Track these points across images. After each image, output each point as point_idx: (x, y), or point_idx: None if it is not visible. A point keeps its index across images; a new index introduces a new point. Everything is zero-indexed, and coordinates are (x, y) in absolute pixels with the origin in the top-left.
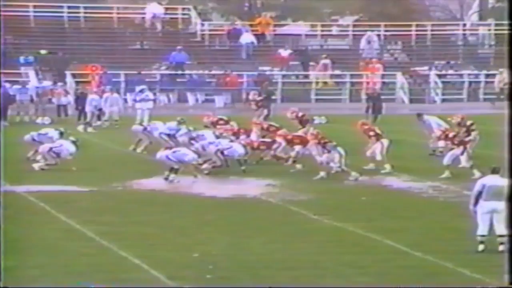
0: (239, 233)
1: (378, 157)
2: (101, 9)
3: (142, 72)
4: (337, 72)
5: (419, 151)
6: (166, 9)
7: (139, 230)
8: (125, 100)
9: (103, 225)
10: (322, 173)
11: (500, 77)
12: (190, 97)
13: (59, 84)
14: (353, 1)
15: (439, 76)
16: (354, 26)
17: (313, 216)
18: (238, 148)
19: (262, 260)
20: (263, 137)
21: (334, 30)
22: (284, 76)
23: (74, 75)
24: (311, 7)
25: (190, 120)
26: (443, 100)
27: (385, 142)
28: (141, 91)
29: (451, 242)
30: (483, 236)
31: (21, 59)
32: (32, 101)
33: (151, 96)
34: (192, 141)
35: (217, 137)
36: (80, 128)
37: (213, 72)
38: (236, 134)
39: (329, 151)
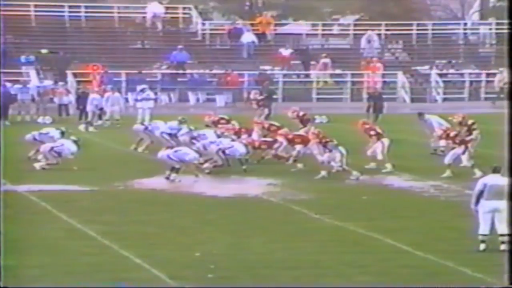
0: (240, 233)
1: (379, 157)
2: (102, 9)
3: (143, 72)
4: (338, 71)
5: (420, 150)
6: (167, 8)
7: (140, 229)
8: (126, 100)
9: (104, 224)
10: (323, 173)
11: (500, 77)
12: (191, 97)
13: (60, 83)
14: (354, 0)
15: (440, 75)
16: (355, 25)
17: (314, 216)
18: (239, 148)
19: (263, 259)
20: (265, 136)
21: (335, 30)
22: (285, 75)
23: (75, 75)
24: (312, 7)
25: (191, 119)
26: (444, 99)
27: (386, 141)
28: (142, 90)
29: (452, 242)
30: (484, 235)
31: (22, 58)
32: (34, 101)
33: (152, 95)
34: (193, 141)
35: (218, 136)
36: (81, 127)
37: (214, 71)
38: (238, 134)
39: (330, 151)
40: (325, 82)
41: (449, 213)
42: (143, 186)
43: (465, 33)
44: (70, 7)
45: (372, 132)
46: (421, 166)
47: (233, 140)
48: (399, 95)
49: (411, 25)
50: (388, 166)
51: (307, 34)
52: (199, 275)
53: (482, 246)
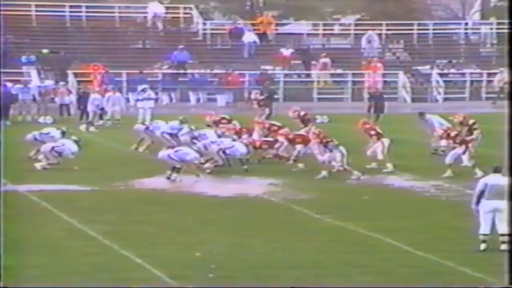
0: (241, 232)
1: (380, 156)
2: (103, 9)
3: (144, 72)
4: (339, 71)
5: (421, 150)
6: (168, 8)
7: (141, 229)
8: (127, 100)
9: (105, 224)
10: (324, 172)
11: (500, 76)
12: (192, 96)
13: (61, 83)
14: (354, 0)
15: (441, 75)
16: (356, 25)
17: (315, 215)
18: (240, 148)
19: (264, 259)
20: (265, 136)
21: (336, 29)
22: (286, 75)
23: (76, 75)
24: (313, 6)
25: (192, 119)
26: (445, 99)
27: (386, 141)
28: (143, 90)
29: (453, 241)
30: (485, 235)
31: (23, 58)
32: (35, 101)
33: (153, 95)
34: (194, 140)
35: (219, 136)
36: (82, 127)
37: (215, 71)
38: (238, 133)
39: (331, 150)
40: (325, 82)
41: (449, 213)
42: (144, 186)
43: (466, 33)
44: (71, 7)
45: (373, 132)
46: (422, 166)
47: (234, 140)
48: (400, 95)
49: (412, 25)
50: (389, 166)
51: (308, 34)
52: (200, 275)
53: (483, 246)
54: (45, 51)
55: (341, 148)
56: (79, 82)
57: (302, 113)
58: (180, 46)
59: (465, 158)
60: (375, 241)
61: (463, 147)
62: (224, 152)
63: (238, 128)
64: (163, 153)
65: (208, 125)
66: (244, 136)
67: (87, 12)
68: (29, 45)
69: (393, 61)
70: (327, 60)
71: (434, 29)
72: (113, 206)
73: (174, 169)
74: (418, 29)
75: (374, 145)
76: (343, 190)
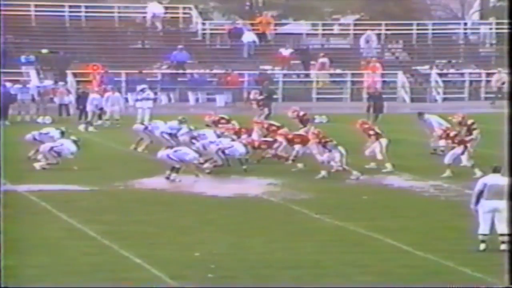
0: (241, 232)
1: (379, 156)
2: (102, 9)
3: (143, 72)
4: (338, 71)
5: (420, 150)
6: (167, 8)
7: (141, 229)
8: (126, 100)
9: (104, 224)
10: (323, 172)
11: (498, 76)
12: (191, 96)
13: (60, 83)
14: (354, 0)
15: (440, 75)
16: (355, 25)
17: (314, 215)
18: (239, 148)
19: (264, 259)
20: (265, 136)
21: (335, 29)
22: (285, 75)
23: (75, 75)
24: (312, 6)
25: (191, 119)
26: (444, 99)
27: (384, 141)
28: (142, 90)
29: (452, 241)
30: (484, 235)
31: (22, 58)
32: (34, 101)
33: (151, 95)
34: (193, 140)
35: (218, 136)
36: (81, 127)
37: (214, 71)
38: (238, 134)
39: (330, 151)
40: (323, 82)
41: (449, 213)
42: (143, 186)
43: (465, 33)
44: (70, 7)
45: (371, 132)
46: (421, 166)
47: (233, 140)
48: (399, 95)
49: (411, 24)
50: (388, 166)
51: (307, 34)
52: (200, 275)
53: (482, 246)
54: (44, 51)
55: (340, 148)
56: (78, 82)
57: (301, 113)
58: (179, 46)
59: (464, 158)
60: (375, 241)
61: (462, 147)
62: (223, 152)
63: (237, 128)
64: (162, 153)
65: (207, 125)
66: (243, 136)
67: (86, 12)
68: (28, 45)
69: (392, 61)
70: (326, 60)
71: (433, 29)
72: (112, 206)
73: (173, 169)
74: (417, 29)
75: (372, 145)
76: (343, 190)
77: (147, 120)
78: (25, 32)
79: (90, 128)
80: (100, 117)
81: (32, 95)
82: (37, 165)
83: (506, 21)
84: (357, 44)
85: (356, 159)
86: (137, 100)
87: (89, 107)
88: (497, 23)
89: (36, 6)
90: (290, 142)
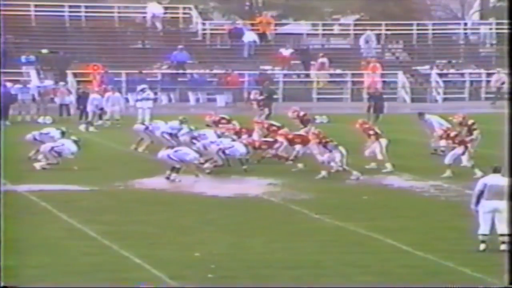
0: (241, 233)
1: (379, 156)
2: (102, 9)
3: (144, 72)
4: (338, 71)
5: (420, 150)
6: (167, 8)
7: (141, 229)
8: (127, 100)
9: (104, 224)
10: (323, 173)
11: (497, 77)
12: (192, 97)
13: (61, 83)
14: (354, 0)
15: (441, 75)
16: (356, 25)
17: (314, 216)
18: (239, 148)
19: (264, 259)
20: (265, 136)
21: (336, 29)
22: (285, 75)
23: (75, 75)
24: (312, 6)
25: (191, 119)
26: (445, 99)
27: (383, 141)
28: (142, 90)
29: (453, 241)
30: (484, 235)
31: (23, 58)
32: (34, 101)
33: (151, 95)
34: (194, 141)
35: (219, 136)
36: (82, 127)
37: (215, 71)
38: (238, 134)
39: (330, 151)
40: (323, 82)
41: (449, 213)
42: (143, 186)
43: (465, 33)
44: (70, 7)
45: (371, 132)
46: (422, 166)
47: (233, 140)
48: (399, 95)
49: (411, 25)
50: (388, 166)
51: (307, 34)
52: (200, 275)
53: (482, 246)
54: (44, 51)
55: (341, 148)
56: (78, 82)
57: (302, 113)
58: (180, 46)
59: (464, 158)
60: (375, 241)
61: (463, 147)
62: (223, 152)
63: (237, 128)
64: (162, 153)
65: (208, 125)
66: (244, 136)
67: (86, 12)
68: (28, 45)
69: (393, 61)
70: (325, 60)
71: (433, 29)
72: (112, 206)
73: (174, 169)
74: (418, 29)
75: (372, 145)
76: (343, 190)
77: (148, 120)
78: (25, 32)
79: (91, 128)
80: (100, 117)
81: (32, 95)
82: (37, 165)
83: (506, 21)
84: (357, 44)
85: (356, 159)
86: (137, 100)
87: (89, 107)
88: (497, 23)
89: (36, 6)
90: (291, 142)
